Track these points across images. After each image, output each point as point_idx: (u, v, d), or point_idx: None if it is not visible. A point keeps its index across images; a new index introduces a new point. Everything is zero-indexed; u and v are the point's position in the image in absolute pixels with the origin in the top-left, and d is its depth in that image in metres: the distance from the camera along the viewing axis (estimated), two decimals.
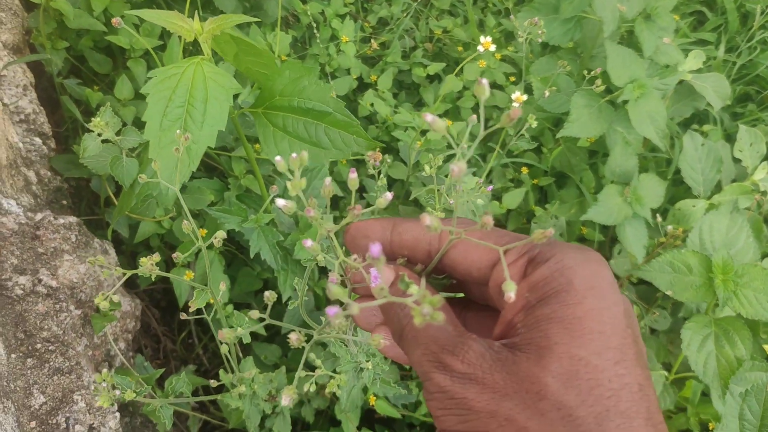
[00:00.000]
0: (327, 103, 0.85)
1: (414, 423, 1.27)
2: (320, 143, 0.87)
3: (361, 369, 0.61)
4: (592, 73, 1.36)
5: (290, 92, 0.87)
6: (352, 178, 0.41)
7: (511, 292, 0.35)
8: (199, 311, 1.34)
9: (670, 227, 1.16)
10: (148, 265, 0.58)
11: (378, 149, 0.88)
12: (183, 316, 0.74)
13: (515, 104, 1.26)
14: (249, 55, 0.90)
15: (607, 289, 0.36)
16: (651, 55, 1.52)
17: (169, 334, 1.40)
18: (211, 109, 0.78)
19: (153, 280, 1.01)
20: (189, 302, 0.68)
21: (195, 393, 1.27)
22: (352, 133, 0.86)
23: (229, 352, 0.84)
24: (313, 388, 0.70)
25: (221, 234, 0.65)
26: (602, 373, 0.34)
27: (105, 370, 0.61)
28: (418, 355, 0.39)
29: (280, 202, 0.39)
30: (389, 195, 0.42)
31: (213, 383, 0.83)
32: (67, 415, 0.80)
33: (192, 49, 1.40)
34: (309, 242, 0.40)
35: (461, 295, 0.47)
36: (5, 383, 0.75)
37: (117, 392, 0.63)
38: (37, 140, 1.17)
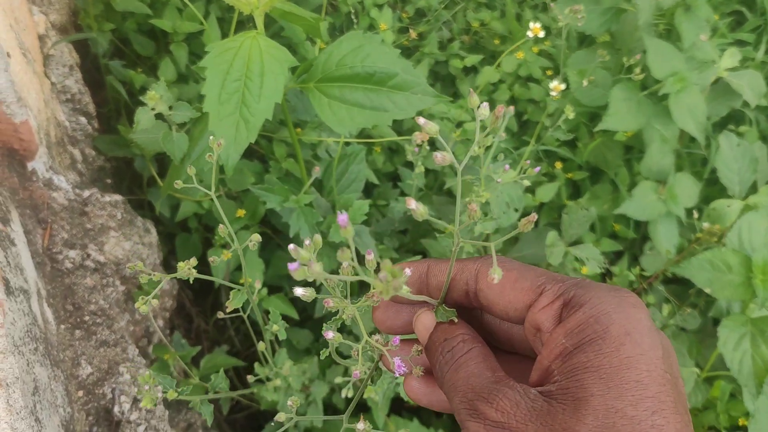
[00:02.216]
0: (394, 64, 0.87)
1: (441, 412, 1.28)
2: (381, 108, 0.89)
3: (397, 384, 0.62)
4: (632, 60, 1.35)
5: (351, 61, 0.88)
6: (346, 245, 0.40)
7: (494, 274, 0.36)
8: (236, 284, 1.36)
9: (706, 224, 1.15)
10: (186, 269, 0.60)
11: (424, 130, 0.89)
12: (220, 314, 0.76)
13: (553, 93, 1.26)
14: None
15: (644, 334, 0.35)
16: (688, 50, 1.51)
17: (202, 314, 1.43)
18: (268, 82, 0.80)
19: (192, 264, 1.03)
20: (225, 303, 0.70)
21: (226, 373, 1.30)
22: (418, 92, 0.88)
23: (265, 349, 0.85)
24: (350, 394, 0.71)
25: (256, 237, 0.66)
26: (639, 424, 0.33)
27: (147, 372, 0.63)
28: (456, 402, 0.39)
29: (298, 291, 0.40)
30: (408, 271, 0.42)
31: (250, 379, 0.84)
32: (113, 386, 0.82)
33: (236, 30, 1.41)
34: (330, 334, 0.41)
35: None
36: (55, 353, 0.77)
37: (159, 389, 0.64)
38: (83, 119, 1.20)
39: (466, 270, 0.42)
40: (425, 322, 0.43)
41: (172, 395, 0.65)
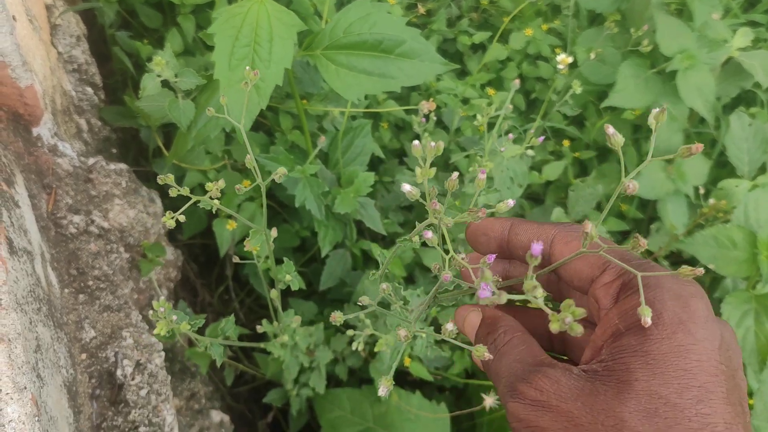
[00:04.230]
0: (402, 32, 0.87)
1: (445, 386, 1.28)
2: (389, 75, 0.89)
3: (415, 337, 0.62)
4: (639, 31, 1.33)
5: (359, 29, 0.88)
6: (453, 179, 0.42)
7: (647, 317, 0.35)
8: (243, 259, 1.37)
9: (712, 200, 1.14)
10: (214, 190, 0.59)
11: (432, 99, 0.89)
12: (236, 259, 0.76)
13: (561, 66, 1.25)
14: None
15: (699, 324, 0.35)
16: (700, 29, 1.49)
17: (206, 287, 1.43)
18: (277, 48, 0.79)
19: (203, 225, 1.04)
20: (244, 242, 0.70)
21: (230, 347, 1.30)
22: (426, 60, 0.88)
23: (273, 303, 0.85)
24: (360, 346, 0.71)
25: (282, 170, 0.65)
26: (682, 412, 0.33)
27: (162, 298, 0.63)
28: (500, 388, 0.40)
29: (406, 187, 0.41)
30: (511, 202, 0.43)
31: (260, 328, 0.85)
32: (116, 350, 0.82)
33: None
34: (429, 233, 0.41)
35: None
36: (59, 315, 0.78)
37: (174, 318, 0.65)
38: (89, 90, 1.20)
39: (543, 233, 0.43)
40: (472, 321, 0.44)
41: (185, 327, 0.66)
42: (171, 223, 0.58)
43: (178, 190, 0.59)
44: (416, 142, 0.42)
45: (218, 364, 0.68)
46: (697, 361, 0.34)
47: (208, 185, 0.60)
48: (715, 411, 0.33)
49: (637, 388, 0.34)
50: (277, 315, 0.86)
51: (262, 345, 0.90)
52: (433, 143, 0.41)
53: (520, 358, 0.40)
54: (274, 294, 0.80)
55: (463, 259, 0.41)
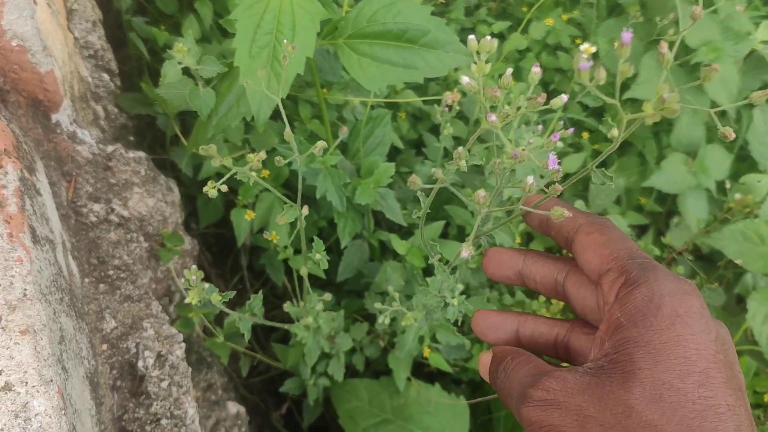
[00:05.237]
0: (427, 21, 0.85)
1: (462, 379, 1.27)
2: (413, 66, 0.87)
3: (446, 305, 0.61)
4: (665, 20, 1.31)
5: (383, 17, 0.86)
6: (507, 75, 0.45)
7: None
8: (257, 248, 1.35)
9: (738, 195, 1.13)
10: (255, 162, 0.58)
11: (456, 90, 0.87)
12: (266, 235, 0.75)
13: (584, 55, 1.23)
14: None
15: (695, 318, 0.37)
16: (723, 21, 1.47)
17: (221, 277, 1.42)
18: (299, 36, 0.78)
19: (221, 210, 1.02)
20: (277, 216, 0.69)
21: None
22: (450, 50, 0.86)
23: (294, 287, 0.84)
24: (387, 321, 0.71)
25: (321, 144, 0.65)
26: (685, 395, 0.34)
27: (194, 266, 0.63)
28: (513, 405, 0.41)
29: (465, 79, 0.42)
30: (560, 187, 0.45)
31: (286, 307, 0.84)
32: (137, 340, 0.81)
33: None
34: (493, 116, 0.43)
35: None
36: (80, 305, 0.77)
37: (206, 285, 0.65)
38: (105, 76, 1.18)
39: (573, 220, 0.46)
40: (484, 360, 0.47)
41: (216, 298, 0.66)
42: (213, 193, 0.58)
43: (221, 161, 0.58)
44: (472, 36, 0.44)
45: (246, 339, 0.68)
46: (695, 350, 0.35)
47: (249, 156, 0.59)
48: (716, 394, 0.35)
49: (641, 377, 0.35)
50: (302, 295, 0.86)
51: (286, 326, 0.89)
52: (489, 37, 0.43)
53: (528, 373, 0.42)
54: (304, 272, 0.79)
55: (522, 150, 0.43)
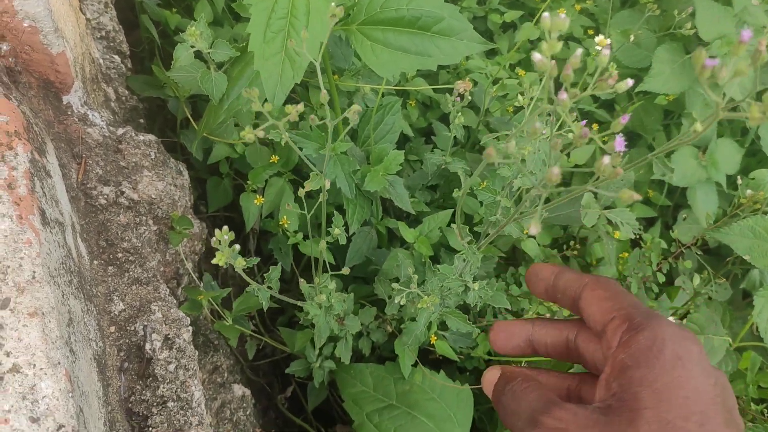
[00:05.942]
0: (441, 8, 0.85)
1: (466, 367, 1.27)
2: (426, 53, 0.87)
3: (467, 288, 0.61)
4: (683, 14, 1.30)
5: (397, 4, 0.86)
6: (576, 56, 0.46)
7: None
8: (265, 233, 1.35)
9: (749, 191, 1.12)
10: (294, 113, 0.59)
11: (468, 78, 0.87)
12: (288, 206, 0.76)
13: (598, 47, 1.22)
14: None
15: (694, 362, 0.39)
16: (738, 14, 1.45)
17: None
18: (314, 21, 0.77)
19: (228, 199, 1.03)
20: (304, 184, 0.70)
21: (252, 318, 1.30)
22: (464, 38, 0.86)
23: (302, 272, 0.85)
24: (403, 301, 0.72)
25: (356, 107, 0.64)
26: None
27: (225, 227, 0.65)
28: (519, 424, 0.43)
29: (536, 56, 0.44)
30: (620, 170, 0.45)
31: (302, 283, 0.85)
32: (145, 323, 0.82)
33: None
34: (538, 57, 0.44)
35: None
36: (88, 287, 0.77)
37: (237, 246, 0.66)
38: (116, 58, 1.18)
39: (578, 280, 0.48)
40: (489, 377, 0.49)
41: (240, 263, 0.68)
42: (251, 137, 0.59)
43: (269, 117, 0.58)
44: (546, 14, 0.45)
45: (264, 309, 0.69)
46: (695, 391, 0.37)
47: (288, 107, 0.59)
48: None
49: (647, 416, 0.37)
50: (317, 271, 0.86)
51: (300, 304, 0.89)
52: (563, 15, 0.45)
53: (537, 398, 0.43)
54: (323, 246, 0.79)
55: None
